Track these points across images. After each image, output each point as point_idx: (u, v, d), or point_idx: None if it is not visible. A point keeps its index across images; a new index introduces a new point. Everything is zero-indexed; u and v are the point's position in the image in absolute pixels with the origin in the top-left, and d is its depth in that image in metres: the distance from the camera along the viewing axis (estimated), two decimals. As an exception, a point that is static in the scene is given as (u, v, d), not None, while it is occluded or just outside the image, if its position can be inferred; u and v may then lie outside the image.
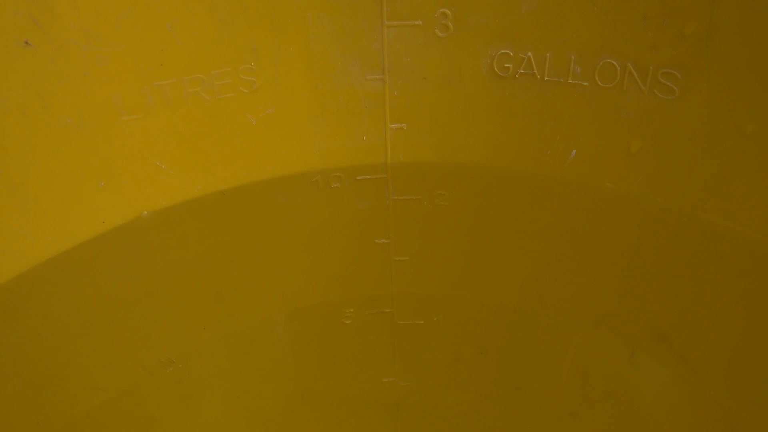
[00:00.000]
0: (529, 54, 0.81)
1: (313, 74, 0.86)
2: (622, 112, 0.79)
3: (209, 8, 0.79)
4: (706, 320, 0.83)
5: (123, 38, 0.75)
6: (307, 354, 1.05)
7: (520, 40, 0.81)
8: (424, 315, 1.02)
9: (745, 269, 0.79)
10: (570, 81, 0.80)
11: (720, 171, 0.76)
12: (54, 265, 0.79)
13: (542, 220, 0.91)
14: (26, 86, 0.71)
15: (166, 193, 0.85)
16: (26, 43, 0.70)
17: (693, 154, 0.77)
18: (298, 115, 0.88)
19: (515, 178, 0.88)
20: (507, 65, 0.83)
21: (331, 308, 1.01)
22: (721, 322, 0.82)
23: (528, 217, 0.91)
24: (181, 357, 0.93)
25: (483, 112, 0.87)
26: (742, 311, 0.80)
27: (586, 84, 0.80)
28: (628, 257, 0.87)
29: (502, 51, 0.82)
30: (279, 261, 0.96)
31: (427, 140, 0.90)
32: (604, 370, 0.95)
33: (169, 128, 0.82)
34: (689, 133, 0.76)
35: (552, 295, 0.95)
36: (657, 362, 0.88)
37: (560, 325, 0.96)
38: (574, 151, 0.84)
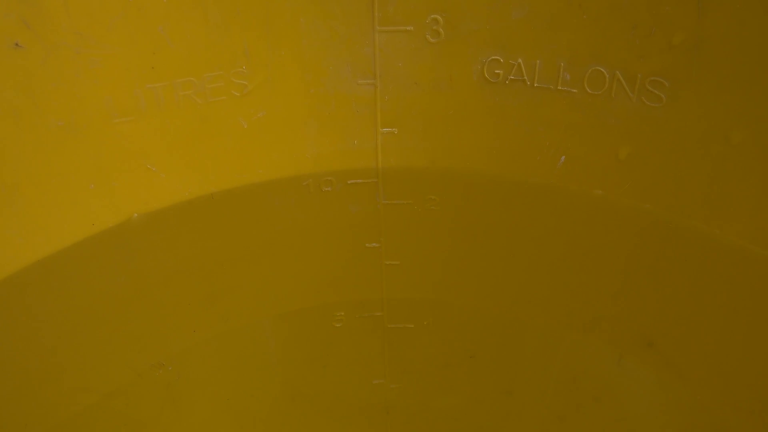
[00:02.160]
0: (520, 61, 0.82)
1: (305, 78, 0.87)
2: (610, 119, 0.80)
3: (202, 12, 0.79)
4: (693, 326, 0.84)
5: (115, 41, 0.75)
6: (297, 357, 1.05)
7: (511, 47, 0.81)
8: (415, 319, 1.02)
9: (731, 276, 0.79)
10: (559, 88, 0.81)
11: (707, 179, 0.77)
12: (44, 267, 0.79)
13: (531, 226, 0.91)
14: (17, 88, 0.71)
15: (156, 195, 0.85)
16: (17, 45, 0.70)
17: (680, 162, 0.78)
18: (289, 119, 0.89)
19: (505, 184, 0.89)
20: (497, 71, 0.83)
21: (322, 311, 1.01)
22: (708, 328, 0.83)
23: (517, 223, 0.92)
24: (172, 359, 0.93)
25: (473, 117, 0.87)
26: (729, 318, 0.81)
27: (575, 91, 0.80)
28: (616, 263, 0.88)
29: (493, 57, 0.83)
30: (270, 264, 0.97)
31: (418, 145, 0.90)
32: (593, 375, 0.95)
33: (160, 131, 0.82)
34: (677, 140, 0.77)
35: (541, 300, 0.96)
36: (645, 367, 0.89)
37: (549, 330, 0.97)
38: (563, 157, 0.85)
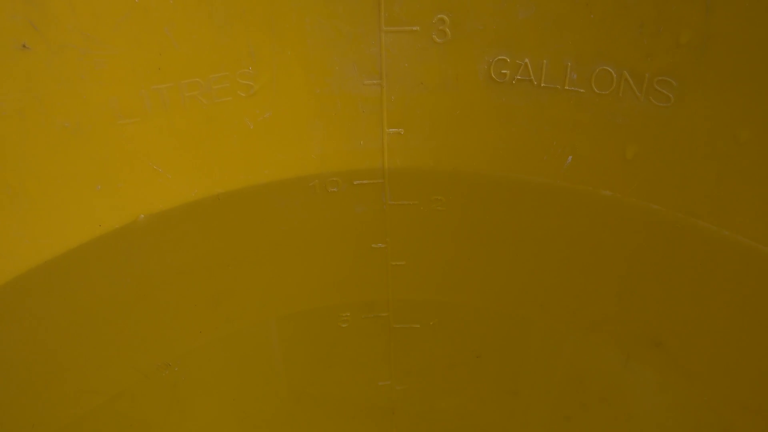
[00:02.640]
0: (526, 60, 0.81)
1: (311, 79, 0.86)
2: (617, 118, 0.80)
3: (207, 13, 0.79)
4: (700, 326, 0.83)
5: (121, 42, 0.75)
6: (303, 358, 1.04)
7: (518, 47, 0.81)
8: (420, 319, 1.02)
9: (739, 275, 0.79)
10: (566, 87, 0.81)
11: (715, 178, 0.76)
12: (51, 268, 0.79)
13: (538, 226, 0.91)
14: (24, 89, 0.71)
15: (162, 196, 0.85)
16: (24, 46, 0.70)
17: (688, 161, 0.77)
18: (295, 120, 0.88)
19: (511, 184, 0.89)
20: (504, 71, 0.83)
21: (328, 312, 1.01)
22: (715, 328, 0.82)
23: (524, 223, 0.91)
24: (177, 360, 0.93)
25: (480, 117, 0.87)
26: (736, 317, 0.80)
27: (582, 91, 0.80)
28: (623, 263, 0.87)
29: (500, 57, 0.82)
30: (275, 265, 0.96)
31: (424, 145, 0.90)
32: (599, 375, 0.95)
33: (166, 132, 0.82)
34: (684, 140, 0.76)
35: (547, 300, 0.96)
36: (651, 367, 0.89)
37: (555, 330, 0.96)
38: (570, 157, 0.85)
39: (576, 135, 0.83)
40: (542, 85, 0.82)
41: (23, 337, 0.79)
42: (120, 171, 0.81)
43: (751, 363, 0.80)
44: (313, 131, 0.90)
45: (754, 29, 0.69)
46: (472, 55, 0.83)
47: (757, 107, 0.71)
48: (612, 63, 0.77)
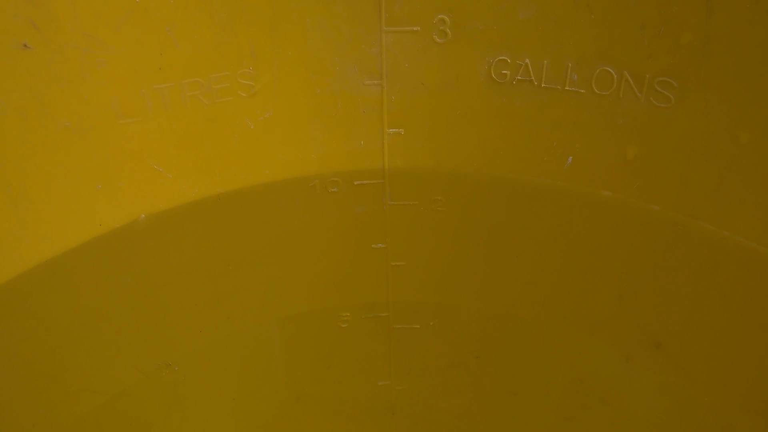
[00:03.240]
0: (527, 61, 0.81)
1: (312, 79, 0.87)
2: (618, 119, 0.80)
3: (208, 13, 0.79)
4: (700, 327, 0.83)
5: (122, 42, 0.75)
6: (303, 357, 1.04)
7: (518, 47, 0.81)
8: (420, 319, 1.02)
9: (739, 277, 0.79)
10: (567, 88, 0.81)
11: (715, 179, 0.76)
12: (51, 267, 0.79)
13: (538, 227, 0.91)
14: (25, 89, 0.71)
15: (163, 196, 0.85)
16: (25, 46, 0.70)
17: (689, 162, 0.77)
18: (296, 120, 0.88)
19: (512, 185, 0.89)
20: (504, 72, 0.83)
21: (328, 312, 1.01)
22: (715, 329, 0.82)
23: (524, 224, 0.91)
24: (178, 360, 0.93)
25: (480, 118, 0.87)
26: (737, 318, 0.80)
27: (582, 91, 0.80)
28: (623, 264, 0.87)
29: (500, 57, 0.82)
30: (276, 265, 0.97)
31: (425, 145, 0.90)
32: (600, 376, 0.95)
33: (167, 132, 0.82)
34: (685, 141, 0.76)
35: (548, 301, 0.96)
36: (652, 369, 0.89)
37: (556, 331, 0.96)
38: (571, 157, 0.85)
39: (576, 135, 0.83)
40: (543, 85, 0.82)
41: (23, 337, 0.79)
42: (121, 170, 0.81)
43: (751, 364, 0.80)
44: (314, 131, 0.90)
45: (754, 30, 0.69)
46: (473, 55, 0.83)
47: (758, 108, 0.71)
48: (613, 64, 0.77)
